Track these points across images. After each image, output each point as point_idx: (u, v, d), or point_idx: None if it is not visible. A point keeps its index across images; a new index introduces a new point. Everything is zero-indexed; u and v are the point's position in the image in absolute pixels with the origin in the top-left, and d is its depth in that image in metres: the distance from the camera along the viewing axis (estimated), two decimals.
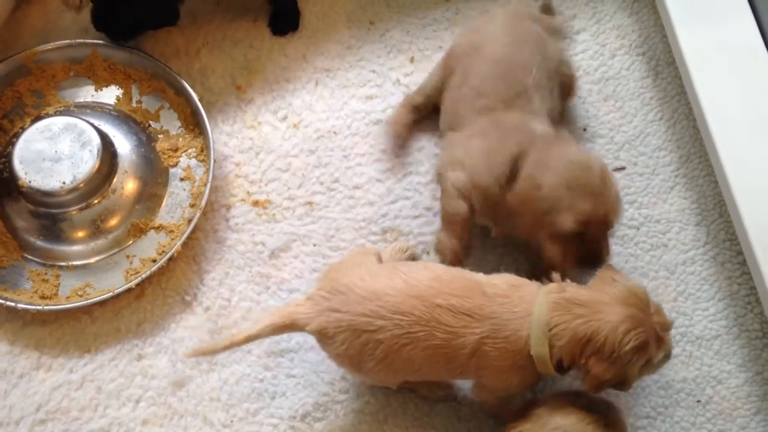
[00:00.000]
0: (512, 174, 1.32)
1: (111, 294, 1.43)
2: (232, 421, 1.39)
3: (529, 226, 1.32)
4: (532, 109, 1.39)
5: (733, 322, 1.46)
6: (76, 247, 1.50)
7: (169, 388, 1.41)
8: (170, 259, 1.47)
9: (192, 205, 1.54)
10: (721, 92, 1.50)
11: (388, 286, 1.18)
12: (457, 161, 1.39)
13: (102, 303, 1.46)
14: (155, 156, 1.57)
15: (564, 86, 1.50)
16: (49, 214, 1.49)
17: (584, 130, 1.61)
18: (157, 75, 1.62)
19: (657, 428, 1.39)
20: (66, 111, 1.58)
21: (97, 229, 1.50)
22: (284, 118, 1.63)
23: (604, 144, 1.60)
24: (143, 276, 1.44)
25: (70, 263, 1.49)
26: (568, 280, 1.21)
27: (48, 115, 1.55)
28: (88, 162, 1.47)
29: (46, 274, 1.48)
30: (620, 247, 1.51)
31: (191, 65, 1.67)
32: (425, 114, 1.58)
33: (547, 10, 1.65)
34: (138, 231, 1.51)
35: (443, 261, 1.40)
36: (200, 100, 1.58)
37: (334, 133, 1.62)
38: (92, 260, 1.50)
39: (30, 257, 1.50)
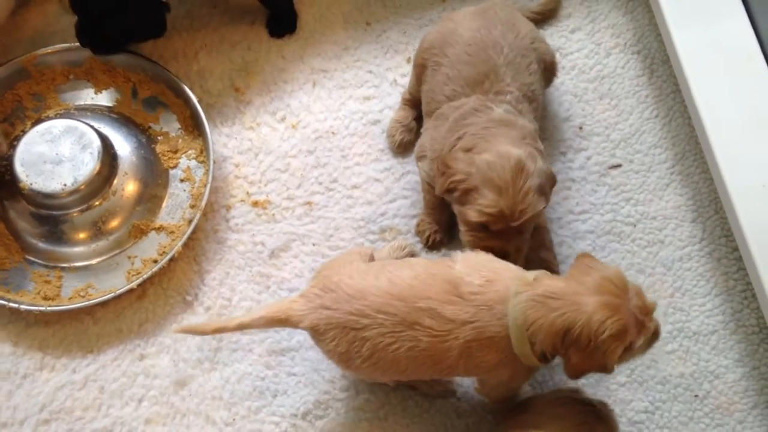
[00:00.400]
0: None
1: (113, 295, 1.44)
2: (234, 420, 1.40)
3: (456, 213, 1.35)
4: (502, 88, 1.38)
5: (729, 318, 1.48)
6: (77, 249, 1.51)
7: (171, 388, 1.43)
8: (171, 259, 1.48)
9: (192, 206, 1.55)
10: (715, 90, 1.51)
11: (373, 286, 1.21)
12: (422, 150, 1.44)
13: (104, 303, 1.47)
14: (155, 158, 1.59)
15: (543, 64, 1.49)
16: (51, 216, 1.50)
17: (580, 128, 1.63)
18: (157, 77, 1.63)
19: (655, 422, 1.40)
20: (66, 114, 1.59)
21: (98, 230, 1.51)
22: (283, 119, 1.65)
23: (600, 142, 1.61)
24: (144, 276, 1.45)
25: (72, 264, 1.51)
26: (542, 271, 1.21)
27: (48, 118, 1.56)
28: (88, 164, 1.48)
29: (48, 275, 1.49)
30: (617, 244, 1.53)
31: (190, 68, 1.68)
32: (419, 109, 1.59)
33: None
34: (139, 232, 1.52)
35: (423, 243, 1.50)
36: (199, 102, 1.60)
37: (332, 133, 1.63)
38: (94, 261, 1.51)
39: (32, 259, 1.51)
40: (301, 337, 1.45)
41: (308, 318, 1.23)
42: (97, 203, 1.51)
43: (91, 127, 1.51)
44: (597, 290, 1.12)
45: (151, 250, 1.51)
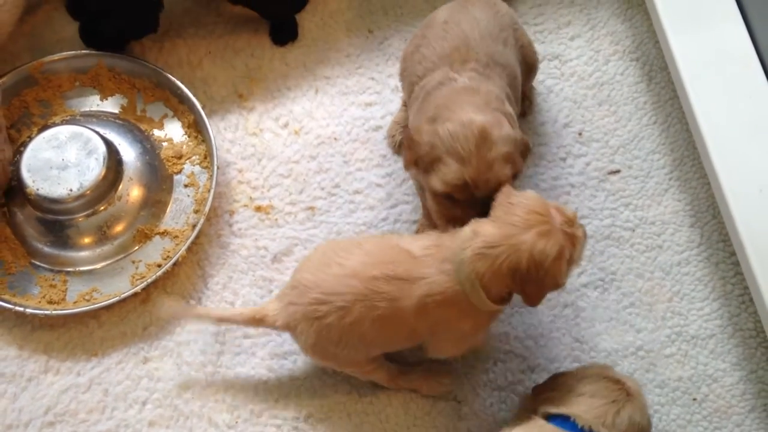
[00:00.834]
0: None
1: (117, 298, 1.46)
2: (236, 422, 1.42)
3: (423, 182, 1.33)
4: (469, 56, 1.35)
5: (727, 322, 1.49)
6: (82, 253, 1.53)
7: (174, 391, 1.44)
8: (175, 263, 1.50)
9: (196, 211, 1.57)
10: (712, 96, 1.53)
11: (325, 273, 1.26)
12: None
13: (108, 307, 1.48)
14: (160, 163, 1.60)
15: (522, 50, 1.47)
16: (57, 220, 1.52)
17: (579, 134, 1.64)
18: (161, 84, 1.65)
19: (653, 426, 1.41)
20: (72, 120, 1.61)
21: (103, 235, 1.53)
22: (285, 125, 1.67)
23: (599, 148, 1.63)
24: (149, 281, 1.47)
25: (77, 269, 1.52)
26: (473, 220, 1.22)
27: (55, 124, 1.58)
28: (94, 170, 1.50)
29: (53, 279, 1.51)
30: (616, 249, 1.54)
31: (194, 74, 1.70)
32: None
33: None
34: (143, 237, 1.54)
35: None
36: (203, 108, 1.62)
37: (335, 139, 1.65)
38: (99, 266, 1.53)
39: (38, 263, 1.53)
40: None
41: (281, 317, 1.30)
42: (102, 208, 1.52)
43: (97, 133, 1.53)
44: (526, 225, 1.17)
45: (155, 254, 1.53)
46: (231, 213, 1.59)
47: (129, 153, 1.58)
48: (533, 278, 1.17)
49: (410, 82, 1.43)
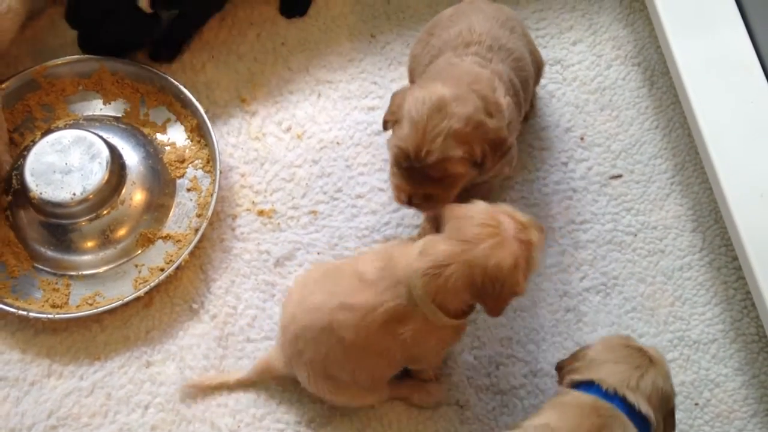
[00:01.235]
0: None
1: (120, 302, 1.46)
2: (238, 427, 1.42)
3: None
4: (472, 39, 1.34)
5: (729, 326, 1.49)
6: (85, 257, 1.53)
7: (177, 395, 1.44)
8: (178, 268, 1.50)
9: (199, 215, 1.57)
10: (714, 101, 1.53)
11: (298, 309, 1.30)
12: None
13: (111, 311, 1.49)
14: (162, 167, 1.61)
15: (529, 46, 1.47)
16: (60, 224, 1.52)
17: (581, 138, 1.65)
18: (164, 88, 1.66)
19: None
20: (75, 124, 1.62)
21: (106, 239, 1.53)
22: (288, 130, 1.67)
23: (601, 152, 1.63)
24: (151, 285, 1.47)
25: (80, 273, 1.53)
26: (426, 237, 1.22)
27: (58, 129, 1.58)
28: (97, 174, 1.50)
29: (56, 283, 1.51)
30: (618, 254, 1.54)
31: (197, 79, 1.71)
32: None
33: None
34: (146, 241, 1.54)
35: None
36: (206, 112, 1.62)
37: (337, 143, 1.65)
38: (101, 269, 1.53)
39: (41, 267, 1.53)
40: None
41: (280, 361, 1.36)
42: (105, 212, 1.53)
43: (100, 137, 1.54)
44: (477, 239, 1.15)
45: (158, 258, 1.53)
46: (234, 217, 1.59)
47: (132, 157, 1.59)
48: (490, 292, 1.15)
49: (418, 73, 1.43)
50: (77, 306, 1.49)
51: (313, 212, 1.59)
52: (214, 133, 1.60)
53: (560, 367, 1.30)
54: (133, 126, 1.64)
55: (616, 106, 1.68)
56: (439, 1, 1.77)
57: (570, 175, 1.62)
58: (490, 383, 1.44)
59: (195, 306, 1.51)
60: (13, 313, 1.46)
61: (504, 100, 1.28)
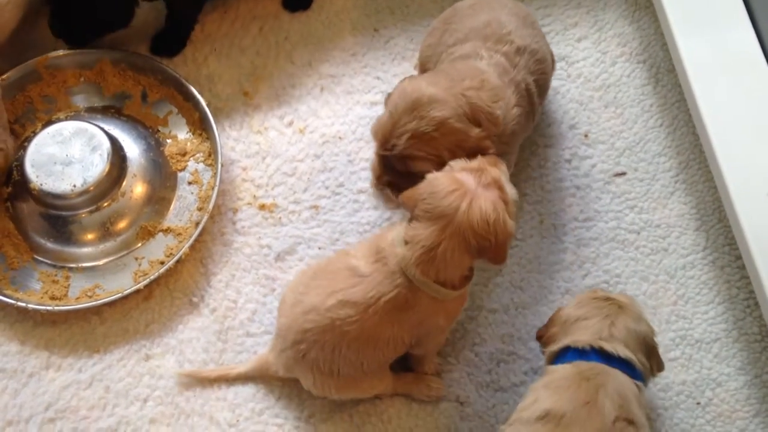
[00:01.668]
0: None
1: (120, 295, 1.46)
2: (237, 421, 1.41)
3: None
4: (503, 36, 1.35)
5: (732, 326, 1.48)
6: (85, 249, 1.53)
7: (176, 388, 1.44)
8: (178, 261, 1.49)
9: (199, 209, 1.56)
10: (719, 99, 1.52)
11: (294, 313, 1.29)
12: None
13: (111, 304, 1.48)
14: (164, 160, 1.60)
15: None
16: (60, 216, 1.51)
17: (585, 136, 1.64)
18: (166, 81, 1.65)
19: (657, 430, 1.40)
20: (77, 116, 1.61)
21: (106, 231, 1.53)
22: (290, 124, 1.66)
23: (605, 150, 1.62)
24: (151, 278, 1.47)
25: (79, 265, 1.52)
26: (404, 226, 1.22)
27: (59, 120, 1.58)
28: (98, 166, 1.50)
29: (56, 275, 1.51)
30: (621, 252, 1.54)
31: (199, 72, 1.70)
32: None
33: None
34: (146, 233, 1.54)
35: None
36: (208, 105, 1.61)
37: (339, 138, 1.64)
38: (101, 262, 1.52)
39: (40, 259, 1.52)
40: None
41: (279, 366, 1.35)
42: (105, 204, 1.52)
43: (101, 129, 1.53)
44: (451, 208, 1.16)
45: (158, 251, 1.53)
46: (234, 211, 1.58)
47: (133, 149, 1.58)
48: (487, 246, 1.17)
49: (438, 52, 1.42)
50: (77, 298, 1.48)
51: (315, 207, 1.58)
52: (216, 127, 1.59)
53: (540, 336, 1.31)
54: (134, 118, 1.64)
55: (620, 103, 1.67)
56: None
57: (573, 172, 1.61)
58: (491, 380, 1.43)
59: (195, 299, 1.50)
60: (12, 305, 1.46)
61: (500, 112, 1.28)
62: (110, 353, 1.46)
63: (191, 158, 1.61)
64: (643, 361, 1.22)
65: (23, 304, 1.45)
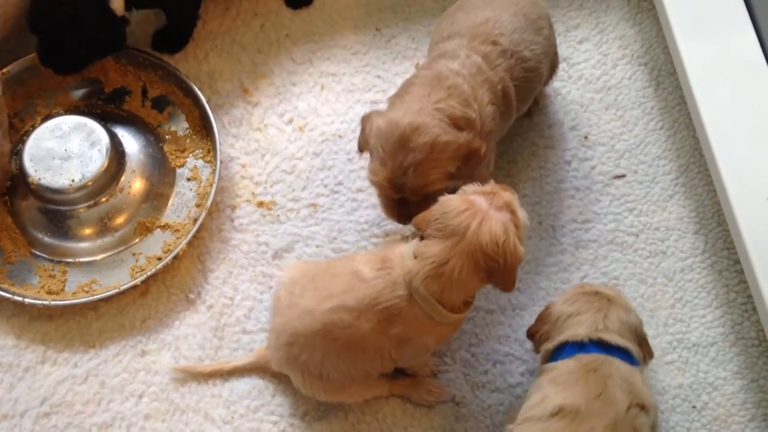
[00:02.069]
0: None
1: (116, 290, 1.45)
2: (232, 418, 1.41)
3: None
4: (491, 36, 1.35)
5: (729, 330, 1.48)
6: (83, 244, 1.52)
7: (171, 384, 1.43)
8: (175, 257, 1.49)
9: (198, 205, 1.56)
10: (720, 103, 1.52)
11: (289, 314, 1.29)
12: None
13: (107, 299, 1.48)
14: (163, 156, 1.60)
15: (551, 46, 1.47)
16: (58, 211, 1.51)
17: (585, 137, 1.63)
18: (167, 77, 1.65)
19: None
20: (76, 110, 1.61)
21: (104, 226, 1.53)
22: (290, 121, 1.66)
23: (605, 152, 1.62)
24: (148, 273, 1.46)
25: (77, 260, 1.52)
26: (413, 242, 1.23)
27: (58, 114, 1.58)
28: (96, 161, 1.49)
29: (53, 269, 1.50)
30: (619, 254, 1.53)
31: (200, 68, 1.70)
32: None
33: None
34: (144, 229, 1.54)
35: None
36: (208, 102, 1.61)
37: (339, 136, 1.64)
38: (99, 257, 1.52)
39: (38, 253, 1.52)
40: None
41: (274, 363, 1.35)
42: (103, 200, 1.52)
43: (101, 124, 1.53)
44: (462, 227, 1.16)
45: (155, 247, 1.53)
46: (233, 208, 1.58)
47: (132, 145, 1.58)
48: (496, 268, 1.17)
49: (435, 41, 1.42)
50: (73, 293, 1.48)
51: (313, 205, 1.58)
52: (216, 124, 1.59)
53: (532, 334, 1.32)
54: (134, 114, 1.64)
55: (621, 105, 1.67)
56: None
57: (573, 174, 1.60)
58: (487, 381, 1.43)
59: (192, 296, 1.50)
60: (8, 299, 1.46)
61: (474, 114, 1.28)
62: (106, 348, 1.46)
63: (190, 155, 1.61)
64: (636, 350, 1.24)
65: (20, 298, 1.45)
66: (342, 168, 1.61)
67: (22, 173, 1.50)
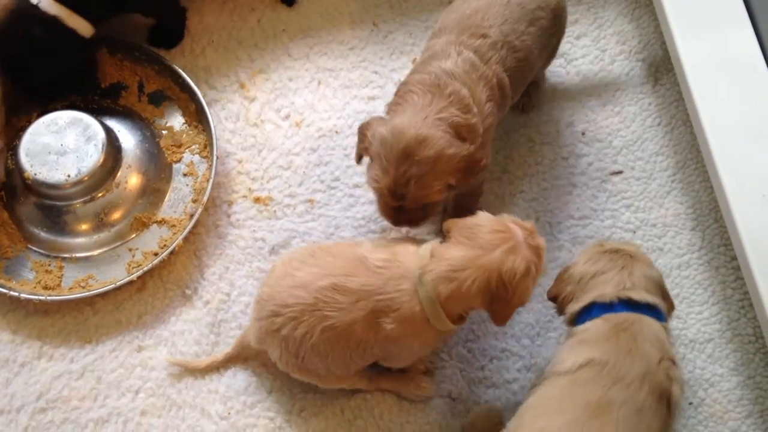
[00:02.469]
0: None
1: (113, 286, 1.45)
2: (229, 414, 1.41)
3: None
4: (478, 29, 1.34)
5: (726, 326, 1.48)
6: (79, 239, 1.52)
7: (168, 380, 1.43)
8: (172, 253, 1.49)
9: (194, 201, 1.56)
10: (718, 99, 1.51)
11: (280, 285, 1.26)
12: None
13: (104, 294, 1.48)
14: (159, 151, 1.60)
15: (551, 37, 1.45)
16: (54, 206, 1.51)
17: (583, 133, 1.63)
18: (163, 72, 1.64)
19: None
20: (72, 105, 1.60)
21: (100, 222, 1.52)
22: (287, 117, 1.66)
23: (602, 148, 1.62)
24: (145, 269, 1.46)
25: (73, 255, 1.52)
26: (432, 242, 1.24)
27: (54, 109, 1.57)
28: (92, 156, 1.49)
29: (49, 265, 1.50)
30: None
31: (196, 63, 1.69)
32: None
33: None
34: (140, 225, 1.53)
35: None
36: (204, 97, 1.61)
37: (336, 132, 1.64)
38: (95, 252, 1.52)
39: (34, 248, 1.52)
40: None
41: (252, 335, 1.33)
42: (100, 195, 1.52)
43: (97, 119, 1.52)
44: (492, 245, 1.17)
45: (152, 242, 1.52)
46: (229, 203, 1.58)
47: (128, 140, 1.58)
48: (502, 297, 1.17)
49: (433, 32, 1.41)
50: (69, 288, 1.48)
51: (310, 201, 1.58)
52: (212, 119, 1.59)
53: (554, 297, 1.31)
54: (130, 109, 1.63)
55: (618, 101, 1.67)
56: None
57: (570, 170, 1.60)
58: (483, 376, 1.43)
59: (188, 292, 1.50)
60: (5, 294, 1.45)
61: (476, 119, 1.28)
62: (102, 344, 1.46)
63: (187, 150, 1.61)
64: (663, 304, 1.25)
65: (16, 294, 1.44)
66: (339, 164, 1.61)
67: (18, 168, 1.49)
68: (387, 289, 1.20)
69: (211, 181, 1.53)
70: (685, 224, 1.56)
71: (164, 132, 1.62)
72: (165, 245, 1.51)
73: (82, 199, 1.51)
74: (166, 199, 1.57)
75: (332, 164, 1.61)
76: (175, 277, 1.51)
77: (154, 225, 1.54)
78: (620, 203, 1.57)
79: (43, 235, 1.52)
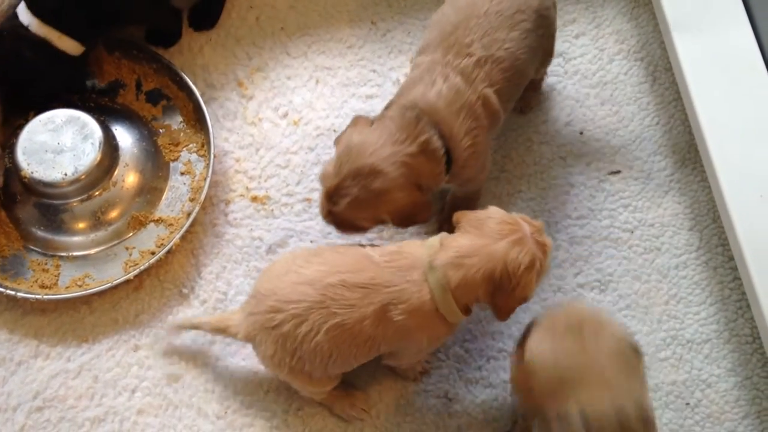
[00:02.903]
0: None
1: (110, 285, 1.45)
2: (226, 413, 1.41)
3: None
4: (462, 48, 1.32)
5: (723, 327, 1.48)
6: (76, 238, 1.52)
7: (164, 379, 1.43)
8: (169, 251, 1.49)
9: (191, 199, 1.55)
10: (716, 99, 1.51)
11: (282, 281, 1.24)
12: None
13: (101, 293, 1.48)
14: (156, 150, 1.59)
15: (542, 38, 1.41)
16: (51, 204, 1.51)
17: (581, 133, 1.63)
18: (161, 70, 1.64)
19: None
20: (69, 103, 1.59)
21: (97, 220, 1.52)
22: (285, 115, 1.65)
23: (600, 147, 1.62)
24: (142, 268, 1.46)
25: (70, 254, 1.51)
26: (441, 234, 1.25)
27: (51, 108, 1.56)
28: (89, 154, 1.49)
29: (46, 263, 1.50)
30: (614, 250, 1.53)
31: (194, 61, 1.69)
32: None
33: None
34: (138, 223, 1.53)
35: None
36: (202, 95, 1.60)
37: (334, 131, 1.64)
38: (92, 251, 1.52)
39: (31, 247, 1.52)
40: None
41: (242, 328, 1.28)
42: (97, 193, 1.51)
43: (94, 117, 1.52)
44: (499, 235, 1.19)
45: (149, 241, 1.52)
46: (227, 202, 1.58)
47: (126, 138, 1.57)
48: (505, 288, 1.18)
49: (419, 48, 1.40)
50: (66, 287, 1.48)
51: (308, 200, 1.58)
52: (210, 117, 1.58)
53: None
54: (127, 107, 1.63)
55: (617, 101, 1.66)
56: None
57: (568, 169, 1.60)
58: (480, 376, 1.43)
59: (185, 291, 1.50)
60: (1, 293, 1.45)
61: (440, 168, 1.28)
62: (99, 343, 1.46)
63: (184, 148, 1.60)
64: None
65: (12, 292, 1.44)
66: None
67: (14, 167, 1.49)
68: (396, 280, 1.20)
69: (208, 179, 1.53)
70: (683, 224, 1.56)
71: (162, 130, 1.62)
72: (162, 244, 1.50)
73: (79, 198, 1.50)
74: (163, 198, 1.57)
75: None
76: (172, 276, 1.51)
77: (152, 224, 1.54)
78: (618, 203, 1.57)
79: (40, 233, 1.52)
